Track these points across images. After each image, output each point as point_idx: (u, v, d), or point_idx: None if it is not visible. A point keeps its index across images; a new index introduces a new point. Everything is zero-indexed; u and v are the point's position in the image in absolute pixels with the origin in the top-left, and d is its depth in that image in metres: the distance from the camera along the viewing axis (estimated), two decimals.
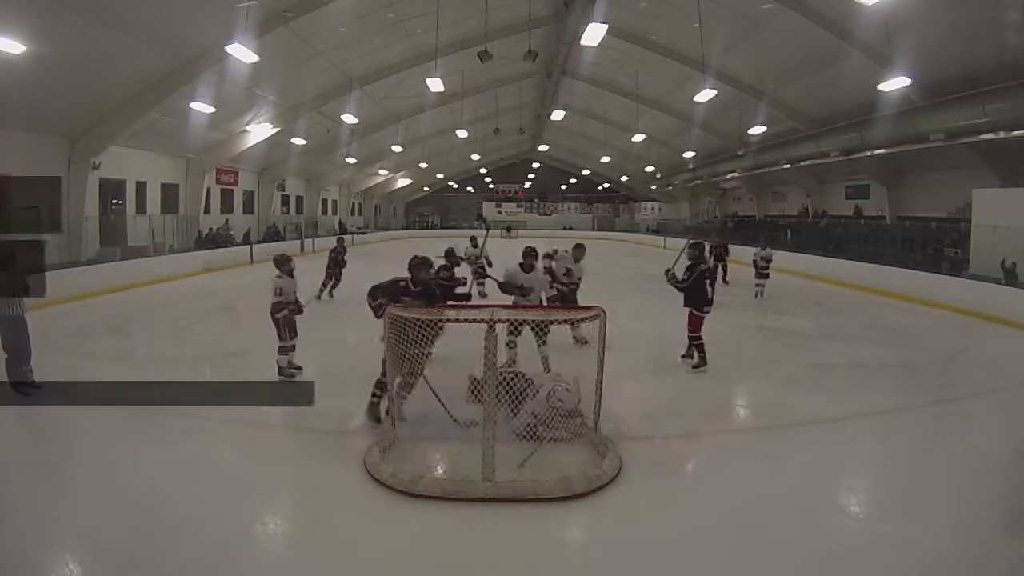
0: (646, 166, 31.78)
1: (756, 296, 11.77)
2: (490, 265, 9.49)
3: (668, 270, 6.34)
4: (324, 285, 10.83)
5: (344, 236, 14.90)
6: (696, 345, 6.31)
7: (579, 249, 7.67)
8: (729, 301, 11.51)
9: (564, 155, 39.05)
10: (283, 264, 5.80)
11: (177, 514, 3.33)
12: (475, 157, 35.51)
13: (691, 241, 6.71)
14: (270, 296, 5.72)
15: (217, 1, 11.12)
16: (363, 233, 31.11)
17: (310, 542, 3.12)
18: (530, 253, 6.39)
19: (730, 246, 14.75)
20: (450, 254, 7.43)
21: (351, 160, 26.79)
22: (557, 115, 22.84)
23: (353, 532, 3.24)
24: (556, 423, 4.22)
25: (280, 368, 5.76)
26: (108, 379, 5.87)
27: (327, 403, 5.28)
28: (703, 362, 6.26)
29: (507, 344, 5.75)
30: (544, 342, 5.59)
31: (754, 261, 11.93)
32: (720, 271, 15.78)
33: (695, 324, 6.28)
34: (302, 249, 21.65)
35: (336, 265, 10.97)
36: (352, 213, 34.85)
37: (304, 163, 23.87)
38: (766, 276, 11.85)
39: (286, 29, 12.62)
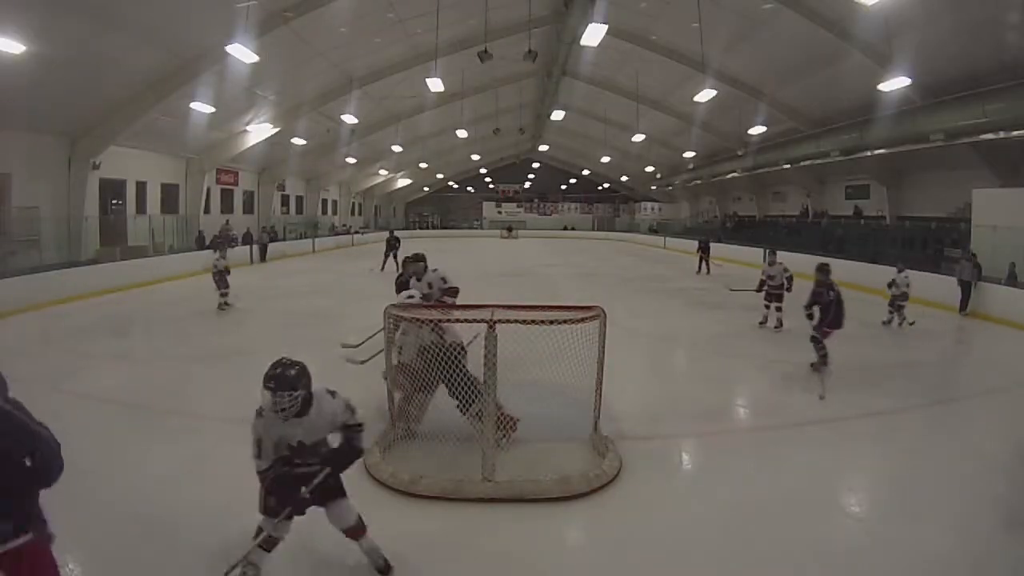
0: (646, 166, 31.79)
1: (891, 323, 9.16)
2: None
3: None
4: None
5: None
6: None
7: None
8: (729, 302, 11.51)
9: (564, 155, 39.07)
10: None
11: (177, 513, 3.34)
12: (475, 157, 35.56)
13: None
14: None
15: (217, 1, 11.13)
16: (363, 233, 31.17)
17: (310, 542, 3.11)
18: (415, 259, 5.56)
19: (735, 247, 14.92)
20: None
21: (351, 160, 26.81)
22: (557, 115, 22.84)
23: None
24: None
25: None
26: (108, 379, 5.87)
27: None
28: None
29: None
30: None
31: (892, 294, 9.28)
32: (704, 265, 16.68)
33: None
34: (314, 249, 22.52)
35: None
36: (352, 213, 34.85)
37: (304, 163, 23.88)
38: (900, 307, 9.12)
39: (286, 29, 12.62)
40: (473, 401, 4.13)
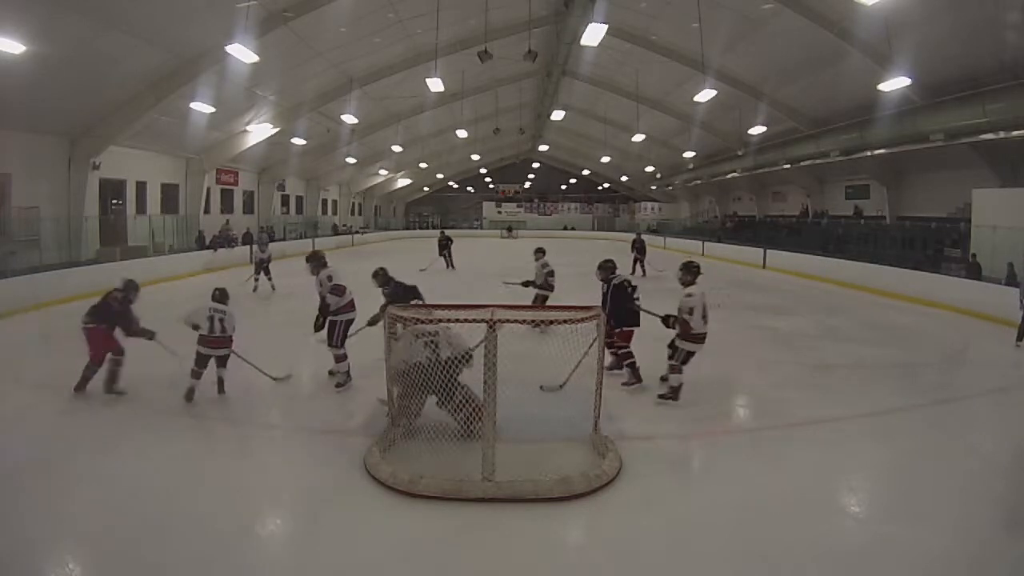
0: (646, 166, 31.80)
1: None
2: None
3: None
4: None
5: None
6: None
7: None
8: (729, 302, 11.52)
9: (564, 155, 39.08)
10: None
11: (177, 513, 3.34)
12: (475, 157, 35.56)
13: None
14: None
15: (217, 1, 11.13)
16: (363, 233, 31.24)
17: (310, 542, 3.12)
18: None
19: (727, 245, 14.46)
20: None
21: (351, 160, 26.81)
22: (557, 115, 22.87)
23: (353, 532, 3.24)
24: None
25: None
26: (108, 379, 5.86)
27: (327, 403, 5.29)
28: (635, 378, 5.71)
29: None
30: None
31: None
32: (639, 266, 14.90)
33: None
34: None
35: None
36: (352, 213, 34.87)
37: (304, 163, 23.89)
38: None
39: (286, 29, 12.63)
40: (460, 409, 4.16)
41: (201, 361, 5.29)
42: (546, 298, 8.35)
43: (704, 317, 5.24)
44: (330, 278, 5.72)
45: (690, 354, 5.27)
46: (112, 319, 5.47)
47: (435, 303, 4.99)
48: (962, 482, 3.87)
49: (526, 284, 8.52)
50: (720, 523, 3.34)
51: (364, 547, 3.11)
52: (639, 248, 15.51)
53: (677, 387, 5.25)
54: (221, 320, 5.33)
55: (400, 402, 4.36)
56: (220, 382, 5.42)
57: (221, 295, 5.55)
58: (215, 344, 5.29)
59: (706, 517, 3.42)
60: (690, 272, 5.45)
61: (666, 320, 5.41)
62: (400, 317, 4.11)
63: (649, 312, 5.76)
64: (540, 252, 8.78)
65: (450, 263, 16.80)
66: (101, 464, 3.99)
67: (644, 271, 14.85)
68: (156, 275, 13.39)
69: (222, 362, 5.41)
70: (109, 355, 5.46)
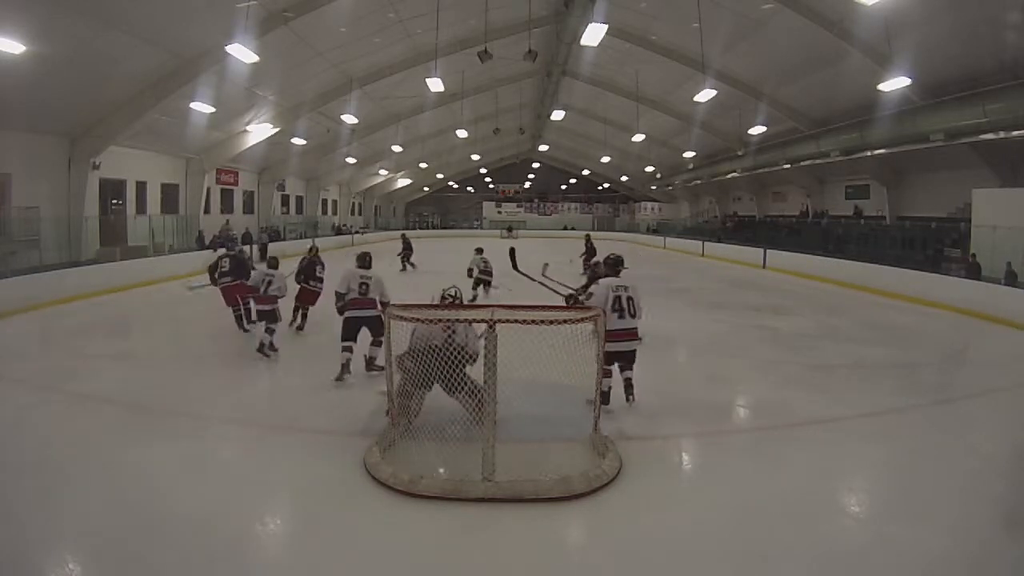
0: (646, 166, 31.80)
1: None
2: None
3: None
4: None
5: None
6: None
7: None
8: (730, 302, 11.53)
9: (564, 155, 39.07)
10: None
11: (177, 514, 3.33)
12: (475, 157, 35.57)
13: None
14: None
15: (217, 1, 11.13)
16: (363, 232, 31.27)
17: (310, 542, 3.12)
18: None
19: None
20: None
21: (351, 160, 26.81)
22: (557, 115, 22.83)
23: (353, 532, 3.24)
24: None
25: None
26: (108, 379, 5.88)
27: (327, 402, 5.29)
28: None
29: None
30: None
31: None
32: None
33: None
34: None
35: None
36: (352, 213, 34.88)
37: (304, 163, 23.88)
38: None
39: (286, 29, 12.63)
40: (472, 395, 4.17)
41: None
42: (489, 283, 10.43)
43: (620, 311, 4.90)
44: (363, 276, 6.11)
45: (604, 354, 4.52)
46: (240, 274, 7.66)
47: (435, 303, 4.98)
48: (962, 482, 3.87)
49: (468, 272, 10.43)
50: (720, 523, 3.34)
51: (364, 547, 3.11)
52: (589, 249, 14.69)
53: (606, 391, 4.82)
54: (268, 283, 6.90)
55: (400, 401, 4.36)
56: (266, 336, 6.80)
57: (272, 262, 7.23)
58: (259, 301, 7.00)
59: (706, 517, 3.41)
60: (606, 264, 5.62)
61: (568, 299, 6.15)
62: (400, 317, 4.10)
63: (529, 275, 6.25)
64: (479, 250, 10.65)
65: (404, 266, 16.52)
66: (101, 464, 3.99)
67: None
68: (156, 275, 13.40)
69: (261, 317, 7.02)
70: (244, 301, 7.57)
